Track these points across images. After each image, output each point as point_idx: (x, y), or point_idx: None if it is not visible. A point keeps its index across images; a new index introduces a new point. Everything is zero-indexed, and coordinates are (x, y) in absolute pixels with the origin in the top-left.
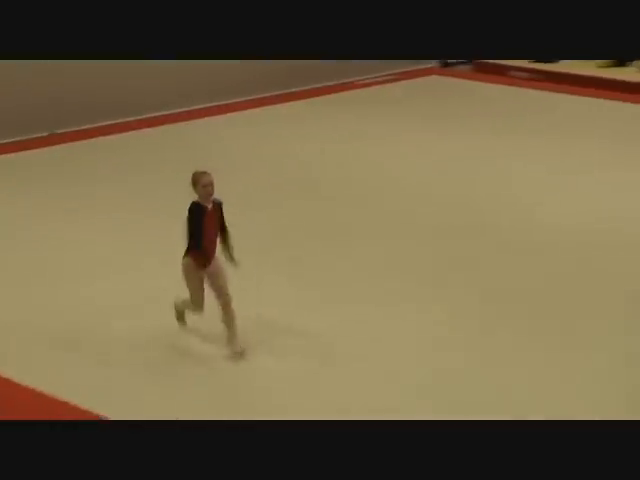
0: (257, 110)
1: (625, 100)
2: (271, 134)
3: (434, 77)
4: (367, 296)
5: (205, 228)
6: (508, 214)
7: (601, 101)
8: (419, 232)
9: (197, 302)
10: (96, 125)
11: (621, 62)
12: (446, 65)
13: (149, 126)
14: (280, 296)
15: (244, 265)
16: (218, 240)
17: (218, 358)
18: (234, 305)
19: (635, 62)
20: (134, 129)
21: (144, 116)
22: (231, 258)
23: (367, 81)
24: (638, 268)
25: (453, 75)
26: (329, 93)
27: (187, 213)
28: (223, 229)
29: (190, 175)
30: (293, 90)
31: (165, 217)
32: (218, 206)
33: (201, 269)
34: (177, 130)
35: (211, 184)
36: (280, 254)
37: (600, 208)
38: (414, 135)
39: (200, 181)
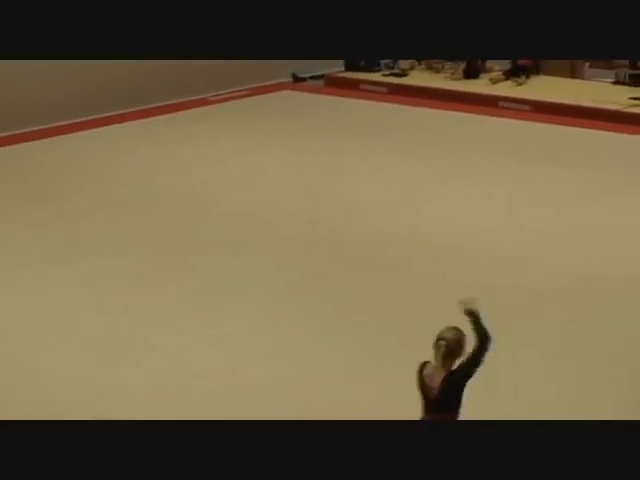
0: (111, 127)
1: (475, 112)
2: (124, 151)
3: (286, 92)
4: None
5: None
6: (358, 229)
7: (451, 113)
8: (275, 248)
9: None
10: None
11: (472, 74)
12: (297, 80)
13: None
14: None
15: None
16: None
17: None
18: None
19: (487, 74)
20: None
21: None
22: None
23: (221, 96)
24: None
25: (304, 90)
26: (182, 109)
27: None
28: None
29: None
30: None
31: None
32: None
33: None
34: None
35: None
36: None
37: (451, 220)
38: (269, 150)
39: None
